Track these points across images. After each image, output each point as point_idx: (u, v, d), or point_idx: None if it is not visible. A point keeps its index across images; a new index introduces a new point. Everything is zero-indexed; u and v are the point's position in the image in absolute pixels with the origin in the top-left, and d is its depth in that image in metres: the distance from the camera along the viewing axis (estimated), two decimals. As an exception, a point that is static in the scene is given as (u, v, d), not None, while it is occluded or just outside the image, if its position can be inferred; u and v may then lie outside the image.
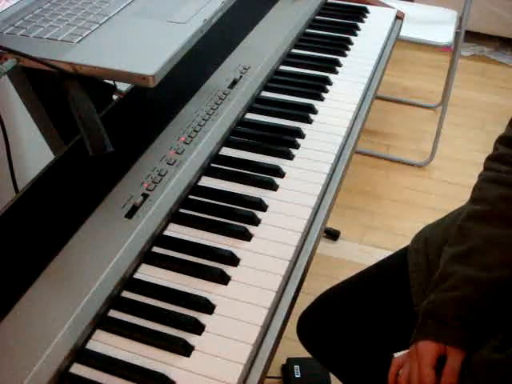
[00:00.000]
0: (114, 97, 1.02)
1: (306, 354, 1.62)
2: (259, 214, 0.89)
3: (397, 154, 2.49)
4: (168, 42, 0.88)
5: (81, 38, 0.88)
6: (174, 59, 0.85)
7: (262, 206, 0.90)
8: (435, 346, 0.85)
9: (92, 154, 0.76)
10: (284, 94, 1.15)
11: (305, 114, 1.09)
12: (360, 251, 2.05)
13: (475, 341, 0.85)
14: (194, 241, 0.85)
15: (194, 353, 0.71)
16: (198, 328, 0.74)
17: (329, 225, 2.10)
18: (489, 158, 0.97)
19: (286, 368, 1.62)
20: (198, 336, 0.73)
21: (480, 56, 3.18)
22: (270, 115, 1.09)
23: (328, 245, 2.08)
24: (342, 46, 1.31)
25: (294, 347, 1.68)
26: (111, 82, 0.91)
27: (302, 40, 1.33)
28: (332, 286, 1.14)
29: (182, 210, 0.90)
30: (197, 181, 0.94)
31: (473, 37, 3.20)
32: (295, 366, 1.61)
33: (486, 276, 0.85)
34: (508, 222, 0.88)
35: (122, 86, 0.97)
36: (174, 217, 0.88)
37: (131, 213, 0.84)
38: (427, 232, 1.07)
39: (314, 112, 1.11)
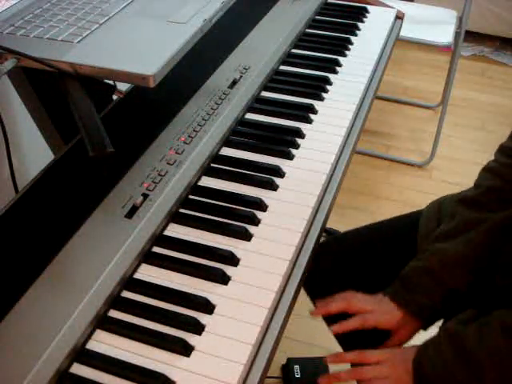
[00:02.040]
0: (114, 97, 1.02)
1: (305, 354, 1.63)
2: (259, 214, 0.89)
3: (397, 154, 2.49)
4: (168, 41, 0.88)
5: (81, 38, 0.88)
6: (174, 59, 0.85)
7: (261, 206, 0.90)
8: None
9: (92, 153, 0.76)
10: (284, 93, 1.15)
11: (305, 114, 1.09)
12: (360, 251, 2.04)
13: (438, 314, 0.95)
14: (194, 241, 0.85)
15: (194, 353, 0.71)
16: (198, 328, 0.74)
17: (329, 225, 2.10)
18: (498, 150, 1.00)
19: (286, 368, 1.62)
20: (198, 336, 0.73)
21: (480, 56, 3.18)
22: (269, 115, 1.09)
23: (328, 245, 2.07)
24: (341, 46, 1.31)
25: (294, 347, 1.68)
26: (111, 82, 0.91)
27: (302, 40, 1.33)
28: (344, 232, 1.16)
29: (182, 210, 0.90)
30: (197, 181, 0.94)
31: (473, 37, 3.20)
32: (295, 366, 1.61)
33: (450, 248, 0.93)
34: (486, 208, 0.94)
35: (122, 86, 0.97)
36: (174, 217, 0.88)
37: (131, 213, 0.84)
38: (442, 202, 1.08)
39: (314, 112, 1.11)
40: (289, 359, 1.63)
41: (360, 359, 0.91)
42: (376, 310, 0.96)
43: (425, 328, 0.97)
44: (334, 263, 1.13)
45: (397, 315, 0.95)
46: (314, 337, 1.73)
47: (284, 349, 1.64)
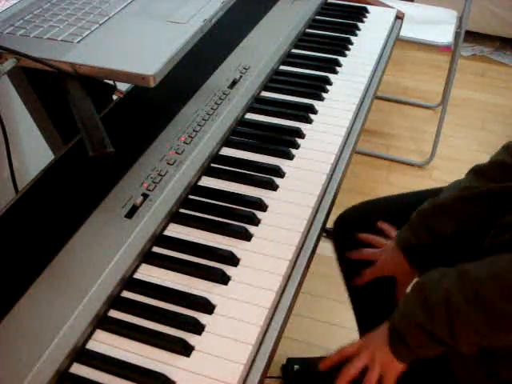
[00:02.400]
0: (114, 97, 1.02)
1: (305, 354, 1.63)
2: (259, 214, 0.89)
3: (397, 154, 2.49)
4: (168, 41, 0.88)
5: (81, 38, 0.88)
6: (174, 59, 0.85)
7: (262, 206, 0.90)
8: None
9: (92, 153, 0.76)
10: (284, 93, 1.15)
11: (305, 113, 1.09)
12: (360, 251, 2.04)
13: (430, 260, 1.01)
14: (194, 241, 0.85)
15: (194, 353, 0.72)
16: (198, 328, 0.74)
17: (329, 225, 2.10)
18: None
19: (286, 368, 1.62)
20: (198, 336, 0.73)
21: (480, 56, 3.18)
22: (269, 115, 1.09)
23: (328, 245, 2.07)
24: (341, 46, 1.31)
25: (294, 347, 1.68)
26: (111, 82, 0.91)
27: (302, 40, 1.33)
28: (362, 202, 1.23)
29: (182, 210, 0.90)
30: (197, 181, 0.94)
31: (473, 37, 3.20)
32: (295, 366, 1.61)
33: (442, 198, 1.01)
34: (488, 177, 0.99)
35: (122, 86, 0.97)
36: (174, 217, 0.88)
37: (131, 213, 0.84)
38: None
39: (314, 112, 1.11)
40: (289, 359, 1.63)
41: (341, 356, 0.93)
42: (385, 254, 1.08)
43: (420, 271, 1.03)
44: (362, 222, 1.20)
45: (396, 255, 1.05)
46: (314, 337, 1.73)
47: (284, 349, 1.64)
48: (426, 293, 0.84)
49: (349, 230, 1.21)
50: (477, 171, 1.02)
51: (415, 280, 0.90)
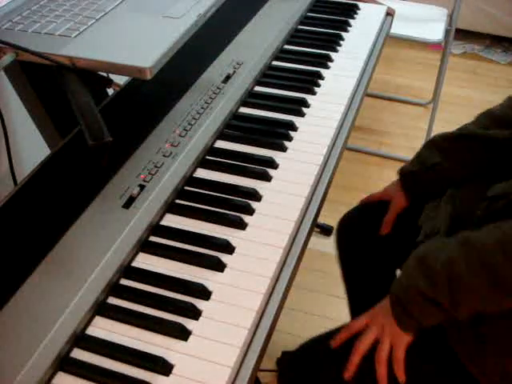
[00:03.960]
0: (110, 91, 1.04)
1: (300, 348, 1.65)
2: (254, 204, 0.91)
3: (389, 151, 2.51)
4: (163, 35, 0.89)
5: (78, 32, 0.90)
6: (169, 52, 0.87)
7: (256, 197, 0.92)
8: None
9: (91, 143, 0.78)
10: (277, 88, 1.17)
11: (297, 107, 1.11)
12: (353, 246, 2.06)
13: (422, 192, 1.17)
14: (190, 230, 0.87)
15: (191, 337, 0.73)
16: (195, 313, 0.76)
17: (322, 220, 2.12)
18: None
19: (281, 361, 1.63)
20: (195, 321, 0.75)
21: (471, 54, 3.21)
22: (263, 109, 1.11)
23: (322, 240, 2.10)
24: (333, 42, 1.33)
25: (289, 341, 1.70)
26: (105, 76, 0.93)
27: (294, 36, 1.35)
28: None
29: (178, 201, 0.91)
30: (192, 172, 0.96)
31: (464, 35, 3.23)
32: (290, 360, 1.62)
33: (435, 135, 1.17)
34: (481, 125, 1.12)
35: (119, 81, 0.99)
36: (171, 207, 0.90)
37: (128, 203, 0.86)
38: None
39: (307, 106, 1.13)
40: (284, 352, 1.65)
41: (350, 332, 0.95)
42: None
43: (408, 196, 1.16)
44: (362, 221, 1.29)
45: (396, 182, 1.20)
46: (310, 331, 1.74)
47: (279, 343, 1.66)
48: (426, 262, 0.86)
49: (352, 230, 1.30)
50: (475, 121, 1.14)
51: (414, 252, 0.92)
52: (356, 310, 1.38)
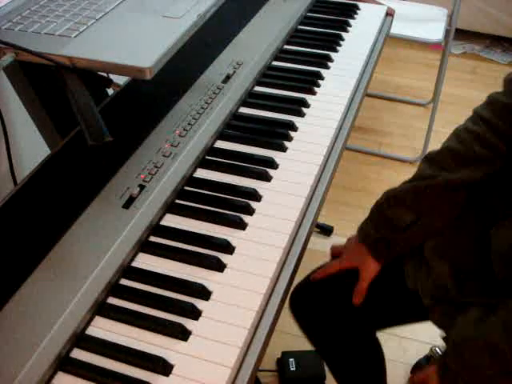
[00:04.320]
0: (110, 91, 1.04)
1: (300, 348, 1.65)
2: (254, 204, 0.91)
3: (389, 151, 2.51)
4: (163, 36, 0.90)
5: (78, 32, 0.90)
6: (169, 52, 0.87)
7: (256, 197, 0.92)
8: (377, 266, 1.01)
9: (91, 142, 0.78)
10: (276, 88, 1.17)
11: (297, 107, 1.11)
12: (353, 246, 2.06)
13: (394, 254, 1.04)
14: (191, 230, 0.87)
15: (191, 337, 0.73)
16: (195, 313, 0.76)
17: (322, 221, 2.12)
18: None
19: (281, 361, 1.63)
20: (195, 321, 0.75)
21: (470, 54, 3.21)
22: (263, 109, 1.11)
23: (321, 240, 2.10)
24: (333, 42, 1.33)
25: (288, 341, 1.70)
26: (105, 76, 0.93)
27: (294, 36, 1.35)
28: (324, 264, 1.16)
29: (177, 201, 0.91)
30: (192, 172, 0.96)
31: (463, 35, 3.23)
32: (290, 360, 1.62)
33: (397, 189, 1.03)
34: (440, 166, 0.99)
35: (119, 81, 0.99)
36: (170, 207, 0.90)
37: (128, 203, 0.86)
38: None
39: (307, 106, 1.13)
40: (284, 353, 1.65)
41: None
42: (349, 248, 1.10)
43: (382, 262, 1.04)
44: (318, 291, 1.14)
45: (359, 247, 1.06)
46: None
47: (279, 343, 1.66)
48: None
49: (305, 301, 1.17)
50: (429, 159, 1.01)
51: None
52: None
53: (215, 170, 0.97)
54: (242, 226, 0.88)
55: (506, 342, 0.81)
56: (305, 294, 1.15)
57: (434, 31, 2.25)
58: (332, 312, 1.11)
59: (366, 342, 1.20)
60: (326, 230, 2.10)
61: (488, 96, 1.01)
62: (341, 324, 1.12)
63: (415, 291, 1.02)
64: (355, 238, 1.09)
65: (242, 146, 1.03)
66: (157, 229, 0.87)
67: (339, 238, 2.11)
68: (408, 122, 2.69)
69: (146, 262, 0.82)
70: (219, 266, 0.81)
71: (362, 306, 1.06)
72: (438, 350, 1.64)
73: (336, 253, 1.15)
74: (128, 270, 0.81)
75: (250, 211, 0.90)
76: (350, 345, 1.18)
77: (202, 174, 0.97)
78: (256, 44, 1.24)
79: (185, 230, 0.87)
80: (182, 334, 0.73)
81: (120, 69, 0.84)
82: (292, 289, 1.13)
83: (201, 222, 0.88)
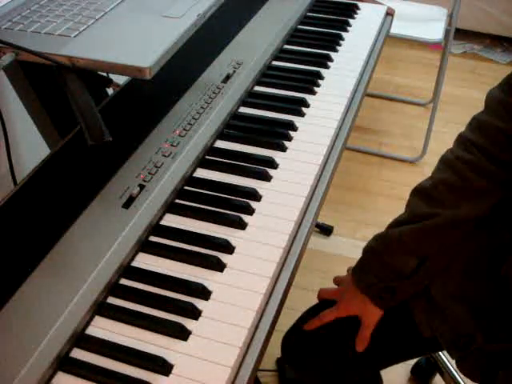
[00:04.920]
0: (110, 91, 1.04)
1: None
2: (254, 204, 0.91)
3: (389, 151, 2.51)
4: (163, 35, 0.90)
5: (78, 32, 0.90)
6: (169, 52, 0.88)
7: (256, 197, 0.92)
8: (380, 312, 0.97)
9: (91, 142, 0.78)
10: (276, 88, 1.17)
11: (297, 107, 1.11)
12: (353, 246, 2.07)
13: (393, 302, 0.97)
14: (190, 230, 0.87)
15: (191, 337, 0.73)
16: (194, 313, 0.76)
17: (322, 220, 2.12)
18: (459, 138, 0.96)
19: (281, 361, 1.64)
20: (194, 321, 0.75)
21: (470, 53, 3.21)
22: (262, 109, 1.11)
23: (321, 240, 2.10)
24: (333, 42, 1.33)
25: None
26: (105, 76, 0.93)
27: (294, 36, 1.35)
28: (314, 305, 1.10)
29: (177, 201, 0.91)
30: (192, 172, 0.96)
31: (463, 34, 3.23)
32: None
33: (394, 233, 0.95)
34: (436, 202, 0.92)
35: (119, 81, 0.99)
36: (170, 207, 0.90)
37: (128, 203, 0.86)
38: None
39: (307, 105, 1.13)
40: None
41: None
42: (346, 297, 1.01)
43: (384, 309, 0.98)
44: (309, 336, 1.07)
45: (358, 298, 0.99)
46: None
47: (279, 343, 1.66)
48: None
49: (299, 349, 1.09)
50: (423, 194, 0.94)
51: None
52: None
53: (215, 170, 0.97)
54: (242, 225, 0.88)
55: None
56: (298, 342, 1.08)
57: (434, 31, 2.25)
58: (331, 358, 1.05)
59: (369, 381, 1.18)
60: (326, 230, 2.10)
61: (473, 118, 0.94)
62: (341, 369, 1.05)
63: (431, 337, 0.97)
64: (350, 284, 1.01)
65: (242, 145, 1.03)
66: (157, 229, 0.87)
67: (339, 238, 2.11)
68: (408, 122, 2.70)
69: (146, 261, 0.82)
70: (219, 266, 0.81)
71: (365, 350, 1.00)
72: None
73: (326, 297, 1.07)
74: (128, 270, 0.81)
75: (249, 211, 0.90)
76: None
77: (201, 173, 0.97)
78: (256, 44, 1.24)
79: (185, 230, 0.87)
80: (182, 334, 0.73)
81: (120, 69, 0.84)
82: (284, 334, 1.11)
83: (201, 221, 0.88)
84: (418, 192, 0.95)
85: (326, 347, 1.05)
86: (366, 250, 1.00)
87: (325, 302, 1.06)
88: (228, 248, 0.84)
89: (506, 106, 0.87)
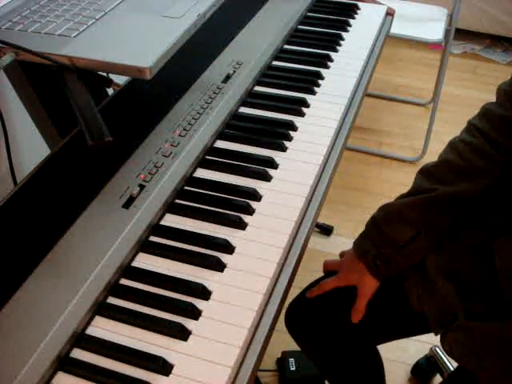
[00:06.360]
0: (110, 91, 1.04)
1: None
2: (254, 204, 0.91)
3: (389, 151, 2.51)
4: (163, 35, 0.89)
5: (78, 32, 0.90)
6: (169, 52, 0.87)
7: (256, 197, 0.92)
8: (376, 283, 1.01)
9: (91, 142, 0.78)
10: (277, 88, 1.17)
11: (297, 107, 1.11)
12: (353, 246, 2.07)
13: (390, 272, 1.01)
14: (190, 230, 0.87)
15: (191, 337, 0.73)
16: (195, 313, 0.76)
17: (322, 220, 2.12)
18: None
19: (281, 361, 1.64)
20: (195, 321, 0.75)
21: (470, 53, 3.21)
22: (263, 109, 1.11)
23: (321, 240, 2.10)
24: (333, 42, 1.33)
25: (288, 341, 1.69)
26: (105, 76, 0.93)
27: (294, 36, 1.35)
28: (319, 278, 1.13)
29: (177, 201, 0.91)
30: (192, 172, 0.96)
31: (463, 35, 3.23)
32: (290, 359, 1.63)
33: (395, 204, 1.01)
34: (436, 179, 0.98)
35: (119, 81, 0.99)
36: (170, 207, 0.90)
37: (128, 203, 0.86)
38: None
39: (307, 105, 1.13)
40: (284, 353, 1.65)
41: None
42: (346, 266, 1.06)
43: (380, 280, 1.02)
44: (314, 306, 1.11)
45: (356, 266, 1.03)
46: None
47: (279, 342, 1.66)
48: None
49: (301, 319, 1.14)
50: (425, 172, 1.00)
51: None
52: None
53: (215, 170, 0.97)
54: (242, 225, 0.88)
55: None
56: (301, 311, 1.12)
57: (434, 31, 2.25)
58: (330, 329, 1.09)
59: (365, 355, 1.19)
60: (326, 230, 2.10)
61: (482, 107, 1.00)
62: (339, 340, 1.10)
63: (420, 312, 1.00)
64: (350, 252, 1.06)
65: (242, 145, 1.02)
66: (157, 229, 0.87)
67: (339, 238, 2.11)
68: (408, 122, 2.70)
69: (146, 261, 0.82)
70: (219, 266, 0.81)
71: (361, 322, 1.03)
72: (438, 350, 1.64)
73: (329, 268, 1.12)
74: (128, 270, 0.81)
75: (249, 211, 0.90)
76: (349, 360, 1.16)
77: (201, 173, 0.97)
78: (256, 44, 1.24)
79: (185, 230, 0.87)
80: (182, 334, 0.73)
81: (120, 69, 0.84)
82: (287, 305, 1.13)
83: (201, 221, 0.88)
84: (422, 171, 1.02)
85: (324, 319, 1.09)
86: (369, 220, 1.05)
87: (329, 274, 1.10)
88: (228, 248, 0.84)
89: (510, 96, 0.93)
